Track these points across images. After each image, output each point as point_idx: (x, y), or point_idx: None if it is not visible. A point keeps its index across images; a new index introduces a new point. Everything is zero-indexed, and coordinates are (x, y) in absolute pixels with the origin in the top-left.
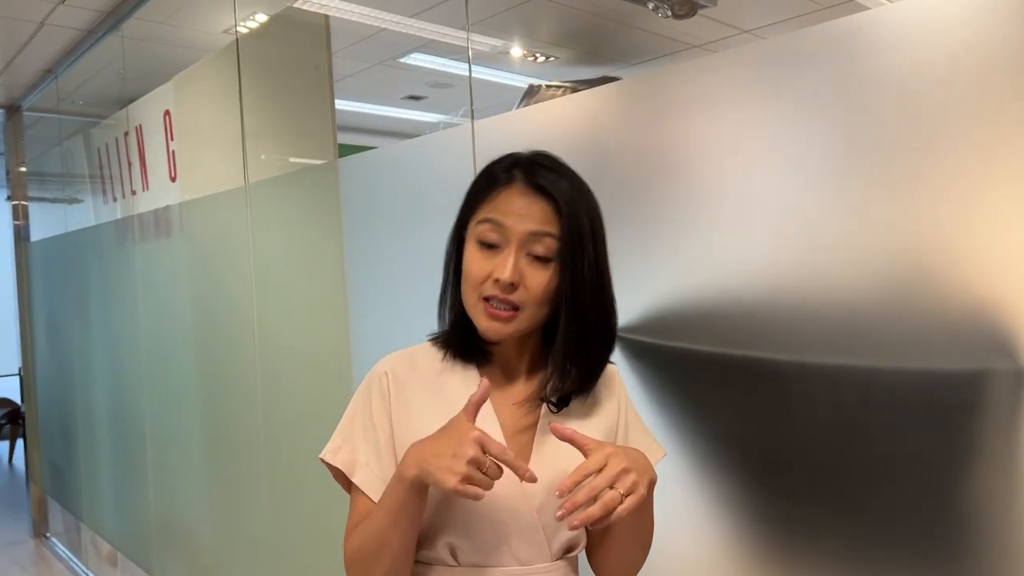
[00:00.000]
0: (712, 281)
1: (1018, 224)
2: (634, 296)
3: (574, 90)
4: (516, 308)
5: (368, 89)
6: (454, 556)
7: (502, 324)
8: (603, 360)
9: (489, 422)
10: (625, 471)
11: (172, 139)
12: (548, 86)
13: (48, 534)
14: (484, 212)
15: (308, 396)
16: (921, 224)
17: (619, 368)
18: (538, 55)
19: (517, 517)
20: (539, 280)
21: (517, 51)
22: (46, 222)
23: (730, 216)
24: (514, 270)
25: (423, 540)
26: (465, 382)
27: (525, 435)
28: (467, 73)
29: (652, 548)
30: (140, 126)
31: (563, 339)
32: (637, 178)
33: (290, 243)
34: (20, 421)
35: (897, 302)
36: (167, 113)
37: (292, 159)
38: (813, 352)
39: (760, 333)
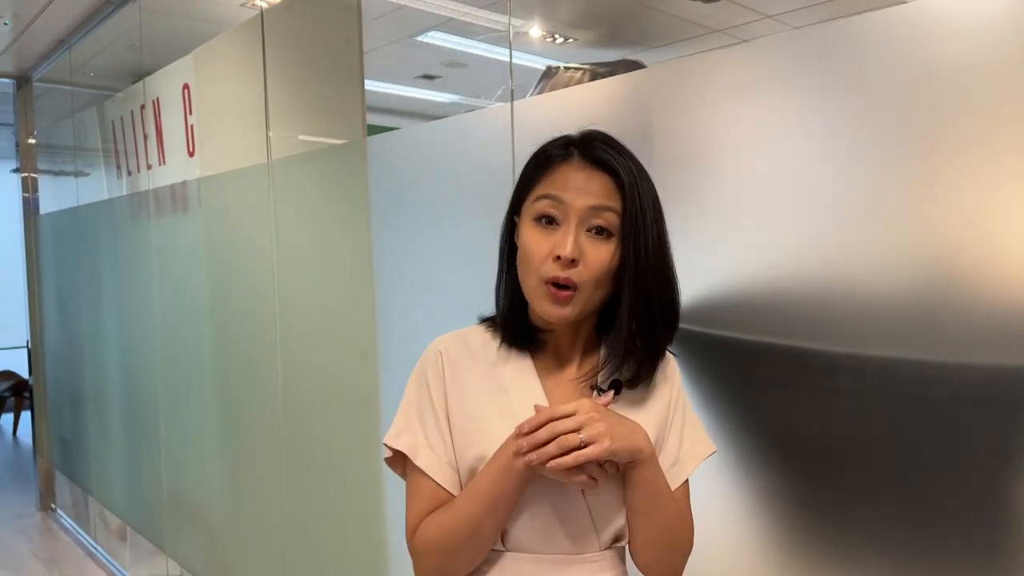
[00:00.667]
0: (760, 270)
1: None
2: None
3: (593, 72)
4: (575, 288)
5: (383, 67)
6: (503, 540)
7: (562, 307)
8: (663, 346)
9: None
10: (593, 420)
11: (191, 113)
12: (567, 68)
13: (55, 507)
14: (541, 188)
15: (331, 375)
16: (982, 214)
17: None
18: (557, 36)
19: (568, 504)
20: (600, 256)
21: (536, 32)
22: (56, 195)
23: (780, 204)
24: (575, 246)
25: None
26: (519, 370)
27: None
28: (483, 53)
29: (696, 541)
30: (157, 99)
31: (624, 322)
32: (684, 162)
33: (314, 221)
34: (26, 394)
35: (953, 295)
36: (186, 87)
37: (318, 137)
38: (867, 344)
39: (811, 323)
